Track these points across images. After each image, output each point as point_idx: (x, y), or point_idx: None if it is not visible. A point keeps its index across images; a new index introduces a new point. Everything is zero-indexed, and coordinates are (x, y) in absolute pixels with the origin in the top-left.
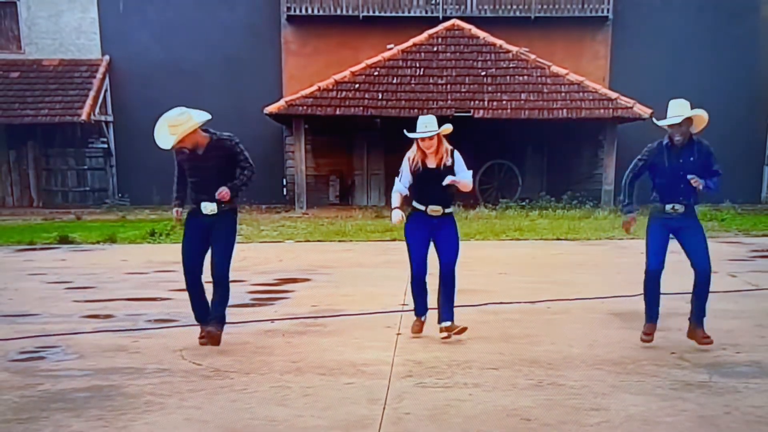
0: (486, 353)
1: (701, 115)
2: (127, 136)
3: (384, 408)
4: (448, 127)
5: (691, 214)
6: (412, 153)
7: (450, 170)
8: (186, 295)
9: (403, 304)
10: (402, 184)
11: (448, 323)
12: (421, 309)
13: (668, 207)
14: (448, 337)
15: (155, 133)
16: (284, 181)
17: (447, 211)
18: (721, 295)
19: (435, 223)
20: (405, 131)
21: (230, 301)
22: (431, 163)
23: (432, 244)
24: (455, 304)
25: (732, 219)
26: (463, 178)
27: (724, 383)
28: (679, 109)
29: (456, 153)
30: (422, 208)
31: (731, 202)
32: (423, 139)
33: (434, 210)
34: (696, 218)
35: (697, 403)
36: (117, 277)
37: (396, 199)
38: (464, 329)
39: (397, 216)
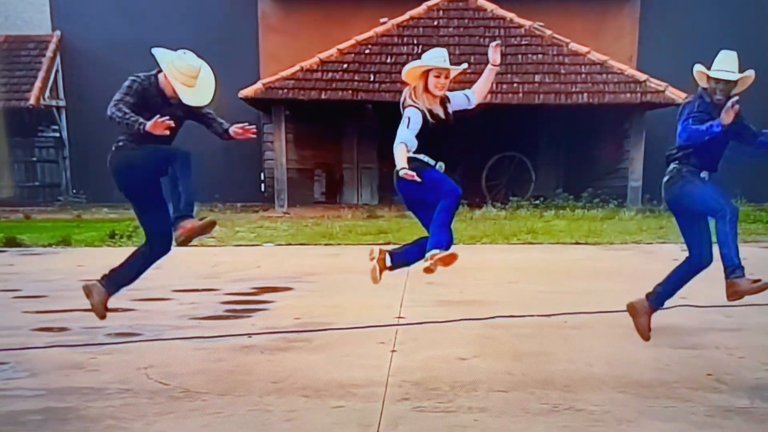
0: (494, 373)
1: (750, 76)
2: (82, 124)
3: None
4: (463, 66)
5: None
6: (422, 102)
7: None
8: (151, 305)
9: (399, 317)
10: (411, 134)
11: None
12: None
13: (704, 174)
14: (431, 269)
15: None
16: (262, 175)
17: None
18: (766, 308)
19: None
20: (421, 60)
21: (202, 312)
22: (438, 113)
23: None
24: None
25: None
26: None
27: (767, 409)
28: (732, 64)
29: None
30: (431, 162)
31: None
32: (439, 74)
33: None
34: None
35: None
36: (72, 284)
37: (404, 154)
38: (453, 257)
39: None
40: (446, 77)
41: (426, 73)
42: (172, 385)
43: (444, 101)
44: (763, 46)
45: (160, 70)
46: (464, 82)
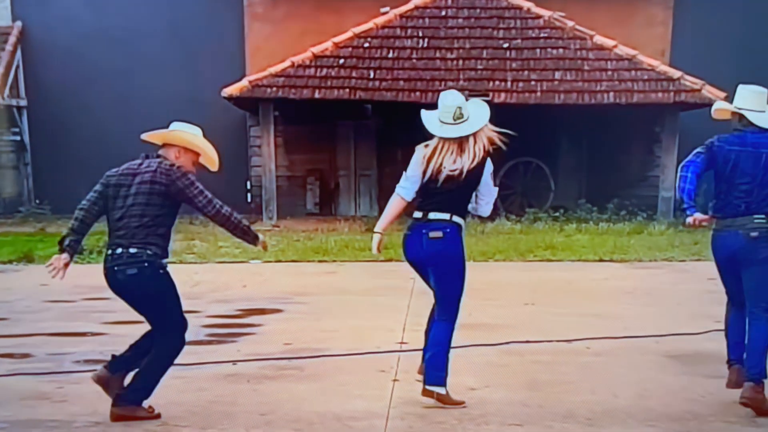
0: (507, 404)
1: None
2: (46, 127)
3: None
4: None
5: None
6: (431, 148)
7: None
8: (124, 329)
9: (402, 342)
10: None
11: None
12: None
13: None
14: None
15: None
16: (248, 184)
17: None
18: None
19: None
20: (423, 112)
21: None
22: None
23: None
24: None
25: None
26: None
27: None
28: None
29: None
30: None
31: None
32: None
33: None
34: None
35: None
36: (36, 305)
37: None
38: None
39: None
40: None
41: None
42: None
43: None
44: None
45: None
46: (474, 79)
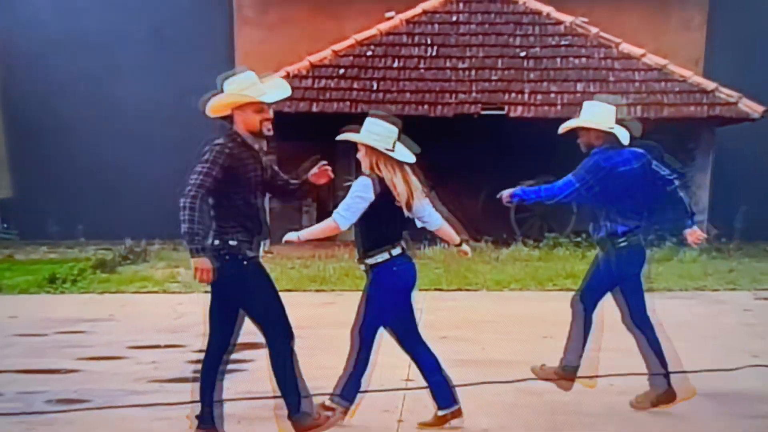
0: None
1: None
2: (15, 140)
3: None
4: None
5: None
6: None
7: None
8: (102, 365)
9: (407, 380)
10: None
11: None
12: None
13: None
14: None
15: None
16: None
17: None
18: None
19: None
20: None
21: (165, 373)
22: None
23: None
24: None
25: None
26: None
27: None
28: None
29: None
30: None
31: None
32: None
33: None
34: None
35: None
36: (2, 340)
37: None
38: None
39: None
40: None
41: None
42: None
43: None
44: None
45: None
46: (488, 91)
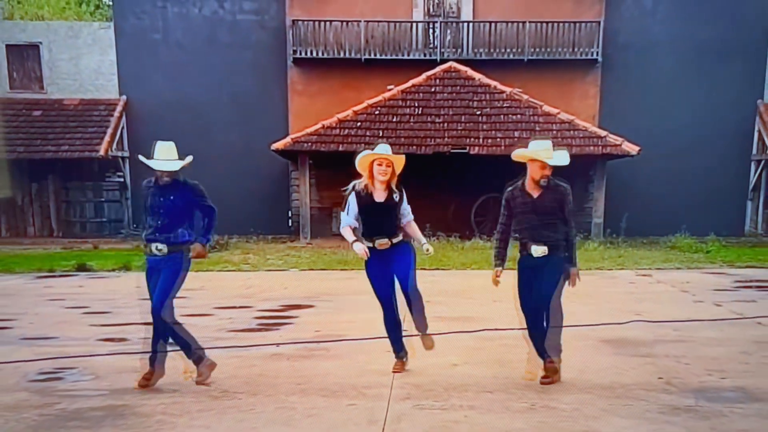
0: (481, 377)
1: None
2: (141, 171)
3: (383, 429)
4: (400, 158)
5: None
6: (361, 184)
7: (397, 206)
8: (196, 320)
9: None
10: (351, 218)
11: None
12: (398, 347)
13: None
14: (431, 346)
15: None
16: (289, 213)
17: (395, 240)
18: (707, 323)
19: (387, 253)
20: (370, 151)
21: (238, 326)
22: (379, 197)
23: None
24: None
25: (717, 251)
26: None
27: (710, 407)
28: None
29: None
30: (369, 244)
31: (716, 234)
32: (381, 162)
33: (382, 243)
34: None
35: (685, 427)
36: (131, 302)
37: (350, 234)
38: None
39: (361, 248)
40: (389, 164)
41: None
42: (213, 386)
43: (392, 188)
44: (705, 106)
45: None
46: (456, 137)
